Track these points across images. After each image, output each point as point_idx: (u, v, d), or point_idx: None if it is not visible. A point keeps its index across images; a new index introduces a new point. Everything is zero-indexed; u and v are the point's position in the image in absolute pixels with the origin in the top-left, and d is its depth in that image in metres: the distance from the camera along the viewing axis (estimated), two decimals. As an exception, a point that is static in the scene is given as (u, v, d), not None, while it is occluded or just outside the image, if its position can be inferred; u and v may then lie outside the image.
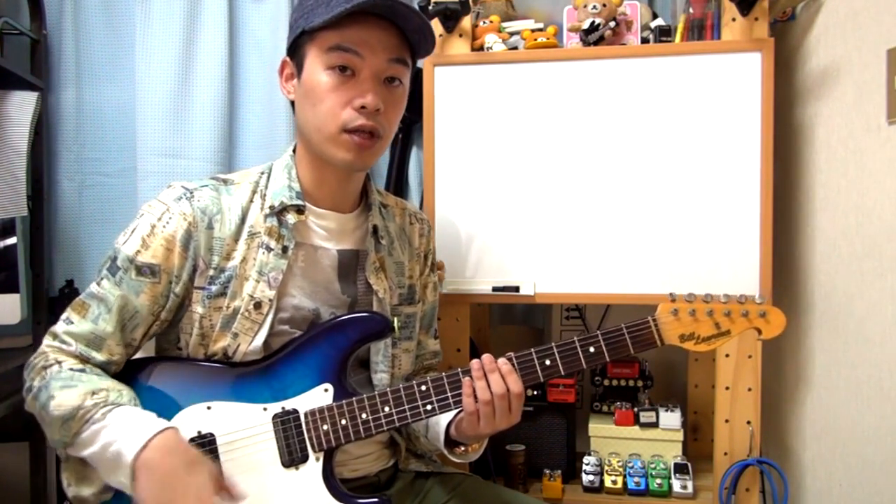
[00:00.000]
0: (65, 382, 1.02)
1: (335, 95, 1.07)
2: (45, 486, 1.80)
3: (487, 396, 1.05)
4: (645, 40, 1.58)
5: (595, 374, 1.79)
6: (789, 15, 1.59)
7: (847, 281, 1.37)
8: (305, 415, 1.08)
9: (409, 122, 1.81)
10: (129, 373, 1.10)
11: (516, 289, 1.55)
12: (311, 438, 1.08)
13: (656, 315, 1.07)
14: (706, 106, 1.49)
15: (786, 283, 1.59)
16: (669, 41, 1.56)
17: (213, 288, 1.10)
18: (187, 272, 1.09)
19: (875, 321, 1.29)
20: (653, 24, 1.58)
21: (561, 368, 1.07)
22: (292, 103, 1.16)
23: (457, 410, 1.14)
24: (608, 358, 1.07)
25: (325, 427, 1.08)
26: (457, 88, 1.57)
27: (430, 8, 1.55)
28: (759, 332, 1.06)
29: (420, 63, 1.59)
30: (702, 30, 1.56)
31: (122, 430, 0.99)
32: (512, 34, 1.63)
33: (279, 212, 1.13)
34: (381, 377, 1.21)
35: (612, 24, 1.52)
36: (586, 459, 1.65)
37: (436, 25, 1.59)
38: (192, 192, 1.11)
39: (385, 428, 1.08)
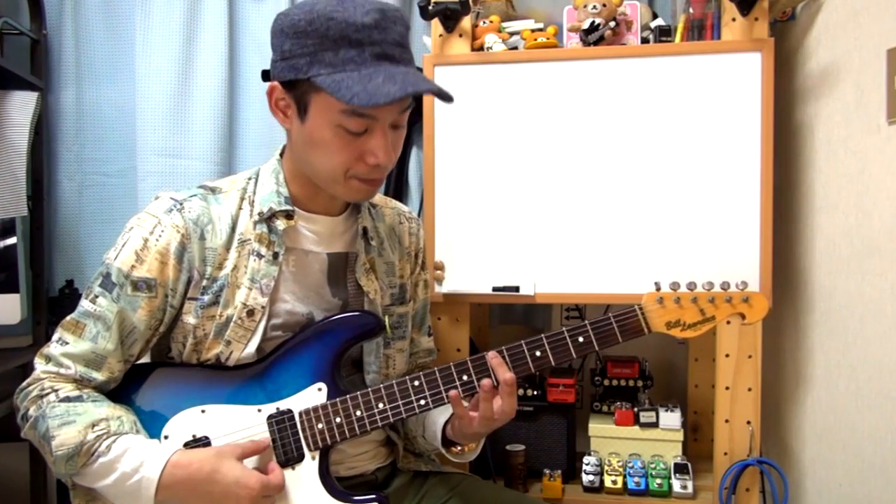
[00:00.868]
0: (63, 419, 1.00)
1: (345, 151, 1.05)
2: (45, 486, 1.81)
3: (489, 413, 1.07)
4: (645, 40, 1.58)
5: (595, 373, 1.79)
6: (789, 15, 1.59)
7: (847, 281, 1.37)
8: (300, 414, 1.08)
9: (410, 122, 1.80)
10: (123, 378, 1.10)
11: (516, 289, 1.55)
12: (306, 438, 1.08)
13: (642, 304, 1.09)
14: (706, 106, 1.49)
15: (786, 283, 1.59)
16: (669, 41, 1.56)
17: (206, 298, 1.09)
18: (182, 284, 1.08)
19: (875, 321, 1.29)
20: (653, 24, 1.58)
21: (552, 359, 1.08)
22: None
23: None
24: (597, 347, 1.09)
25: (319, 426, 1.08)
26: (457, 88, 1.57)
27: (430, 8, 1.54)
28: (743, 317, 1.09)
29: (420, 63, 1.60)
30: (702, 30, 1.56)
31: (134, 464, 0.99)
32: (512, 34, 1.63)
33: (268, 218, 1.12)
34: (373, 377, 1.21)
35: (612, 24, 1.52)
36: (586, 459, 1.65)
37: (436, 25, 1.59)
38: (181, 204, 1.10)
39: (380, 424, 1.09)
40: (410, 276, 1.31)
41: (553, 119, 1.54)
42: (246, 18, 1.86)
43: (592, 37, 1.53)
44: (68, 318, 1.08)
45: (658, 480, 1.60)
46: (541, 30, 1.62)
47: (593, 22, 1.52)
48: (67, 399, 1.02)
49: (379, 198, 1.32)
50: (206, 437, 1.07)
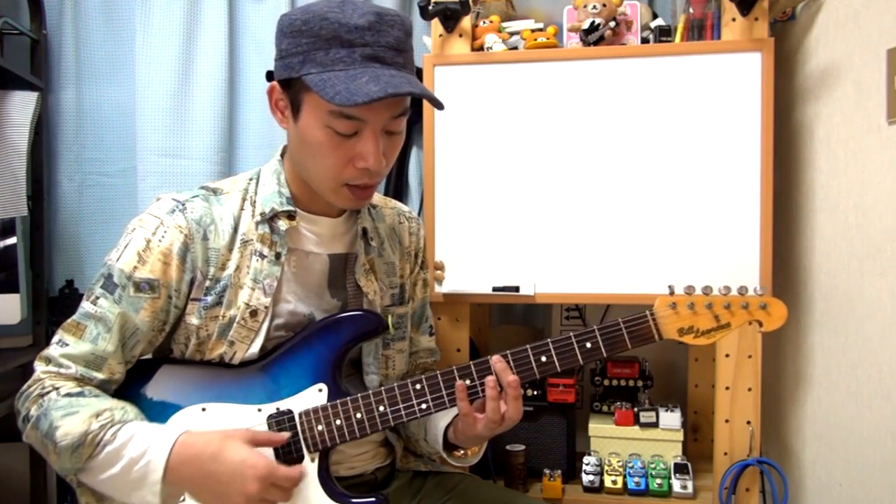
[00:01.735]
0: (66, 410, 1.00)
1: (336, 154, 1.04)
2: (45, 486, 1.81)
3: (496, 416, 1.06)
4: (645, 40, 1.58)
5: (595, 374, 1.79)
6: (789, 15, 1.59)
7: (847, 281, 1.37)
8: (300, 415, 1.08)
9: (410, 122, 1.79)
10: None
11: (516, 289, 1.55)
12: (305, 439, 1.07)
13: (654, 309, 1.05)
14: (706, 106, 1.49)
15: (786, 283, 1.59)
16: (669, 41, 1.56)
17: (209, 298, 1.09)
18: (186, 285, 1.08)
19: (875, 321, 1.29)
20: (653, 24, 1.58)
21: (557, 365, 1.05)
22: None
23: (454, 413, 1.13)
24: (605, 354, 1.05)
25: (319, 427, 1.07)
26: (457, 88, 1.57)
27: (430, 8, 1.54)
28: (760, 324, 1.04)
29: (420, 63, 1.60)
30: (702, 30, 1.56)
31: (140, 448, 0.99)
32: (512, 34, 1.63)
33: (270, 218, 1.12)
34: (372, 378, 1.21)
35: (612, 24, 1.52)
36: (586, 459, 1.65)
37: (436, 25, 1.59)
38: (184, 204, 1.09)
39: (380, 427, 1.08)
40: (410, 275, 1.30)
41: (553, 119, 1.54)
42: (246, 18, 1.86)
43: (592, 37, 1.53)
44: (69, 320, 1.08)
45: (658, 480, 1.60)
46: (541, 30, 1.62)
47: (593, 22, 1.52)
48: (69, 395, 1.02)
49: (379, 198, 1.32)
50: None
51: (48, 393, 1.03)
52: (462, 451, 1.19)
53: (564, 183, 1.54)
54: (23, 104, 1.68)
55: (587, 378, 1.90)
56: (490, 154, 1.56)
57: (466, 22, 1.59)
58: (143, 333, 1.07)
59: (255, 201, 1.14)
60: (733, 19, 1.48)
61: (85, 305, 1.07)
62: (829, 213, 1.45)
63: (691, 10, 1.56)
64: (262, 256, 1.11)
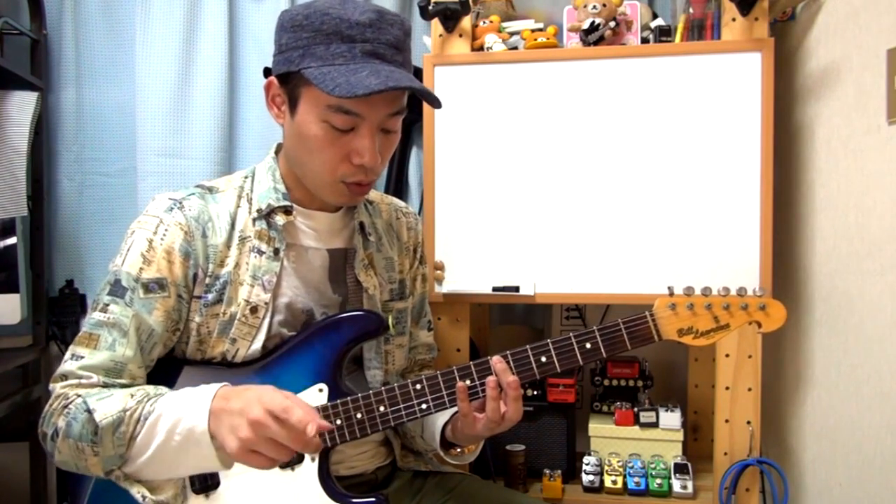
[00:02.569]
0: (99, 396, 0.98)
1: (332, 149, 1.05)
2: (45, 486, 1.81)
3: (496, 416, 1.05)
4: (645, 40, 1.58)
5: (595, 373, 1.79)
6: (789, 15, 1.59)
7: (847, 281, 1.37)
8: None
9: (409, 122, 1.81)
10: None
11: (516, 289, 1.55)
12: None
13: (654, 310, 1.05)
14: (706, 106, 1.49)
15: (786, 283, 1.59)
16: (669, 41, 1.56)
17: (210, 296, 1.09)
18: (190, 281, 1.08)
19: (875, 321, 1.29)
20: (653, 24, 1.58)
21: (557, 365, 1.06)
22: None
23: (453, 411, 1.13)
24: (605, 354, 1.06)
25: None
26: (457, 88, 1.57)
27: (430, 8, 1.54)
28: (759, 325, 1.05)
29: (420, 63, 1.60)
30: (702, 30, 1.56)
31: (182, 409, 0.96)
32: (512, 34, 1.63)
33: (267, 214, 1.12)
34: (374, 374, 1.21)
35: (612, 24, 1.52)
36: (586, 459, 1.65)
37: (436, 25, 1.59)
38: (181, 203, 1.10)
39: (381, 427, 1.08)
40: (410, 270, 1.31)
41: (553, 119, 1.54)
42: (246, 18, 1.86)
43: (592, 37, 1.53)
44: (79, 334, 1.05)
45: (658, 480, 1.60)
46: (541, 30, 1.62)
47: (593, 22, 1.52)
48: (99, 392, 1.00)
49: (375, 194, 1.32)
50: None
51: (73, 400, 0.99)
52: (459, 450, 1.20)
53: (564, 183, 1.54)
54: (23, 104, 1.68)
55: (587, 378, 1.90)
56: (490, 154, 1.56)
57: (466, 22, 1.59)
58: (158, 335, 1.06)
59: (251, 198, 1.14)
60: (733, 19, 1.48)
61: (94, 316, 1.05)
62: (829, 213, 1.45)
63: (691, 10, 1.56)
64: (261, 253, 1.11)
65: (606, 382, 1.76)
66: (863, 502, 1.32)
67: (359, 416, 1.07)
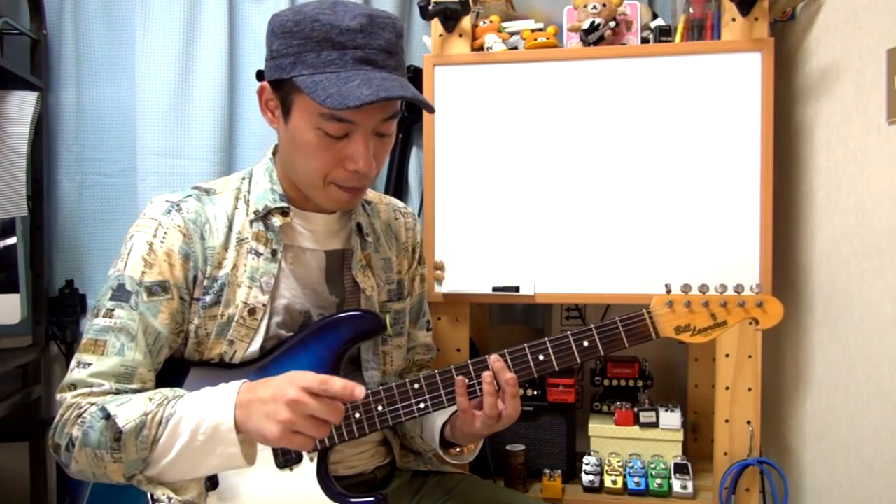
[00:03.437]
0: (118, 402, 0.97)
1: (326, 155, 1.04)
2: (45, 486, 1.81)
3: (494, 413, 1.05)
4: (645, 40, 1.58)
5: (595, 373, 1.79)
6: (789, 15, 1.59)
7: (847, 281, 1.37)
8: None
9: (409, 122, 1.81)
10: None
11: (516, 289, 1.55)
12: None
13: (651, 307, 1.06)
14: (706, 106, 1.49)
15: (786, 283, 1.59)
16: (669, 41, 1.55)
17: (208, 298, 1.09)
18: (189, 283, 1.08)
19: (875, 321, 1.29)
20: (653, 24, 1.58)
21: (555, 363, 1.06)
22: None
23: (452, 411, 1.13)
24: (602, 352, 1.06)
25: None
26: (457, 88, 1.57)
27: (430, 8, 1.54)
28: (757, 322, 1.05)
29: (420, 63, 1.60)
30: (702, 30, 1.56)
31: (205, 408, 0.95)
32: (512, 34, 1.63)
33: (264, 216, 1.12)
34: (372, 375, 1.21)
35: (612, 24, 1.52)
36: (586, 459, 1.65)
37: (436, 25, 1.59)
38: (178, 205, 1.10)
39: (379, 427, 1.08)
40: (408, 270, 1.31)
41: (553, 119, 1.54)
42: (246, 18, 1.85)
43: (592, 37, 1.53)
44: (82, 342, 1.04)
45: (658, 480, 1.60)
46: (541, 30, 1.62)
47: (593, 22, 1.52)
48: (115, 399, 0.98)
49: (373, 194, 1.32)
50: None
51: (86, 409, 0.98)
52: (458, 449, 1.20)
53: (564, 183, 1.54)
54: (23, 104, 1.68)
55: (587, 378, 1.90)
56: (490, 154, 1.56)
57: (466, 22, 1.59)
58: (164, 338, 1.06)
59: (248, 200, 1.14)
60: (733, 19, 1.48)
61: (98, 322, 1.04)
62: (829, 213, 1.45)
63: (691, 10, 1.56)
64: (258, 254, 1.11)
65: (606, 382, 1.76)
66: (863, 502, 1.32)
67: (357, 415, 1.08)
